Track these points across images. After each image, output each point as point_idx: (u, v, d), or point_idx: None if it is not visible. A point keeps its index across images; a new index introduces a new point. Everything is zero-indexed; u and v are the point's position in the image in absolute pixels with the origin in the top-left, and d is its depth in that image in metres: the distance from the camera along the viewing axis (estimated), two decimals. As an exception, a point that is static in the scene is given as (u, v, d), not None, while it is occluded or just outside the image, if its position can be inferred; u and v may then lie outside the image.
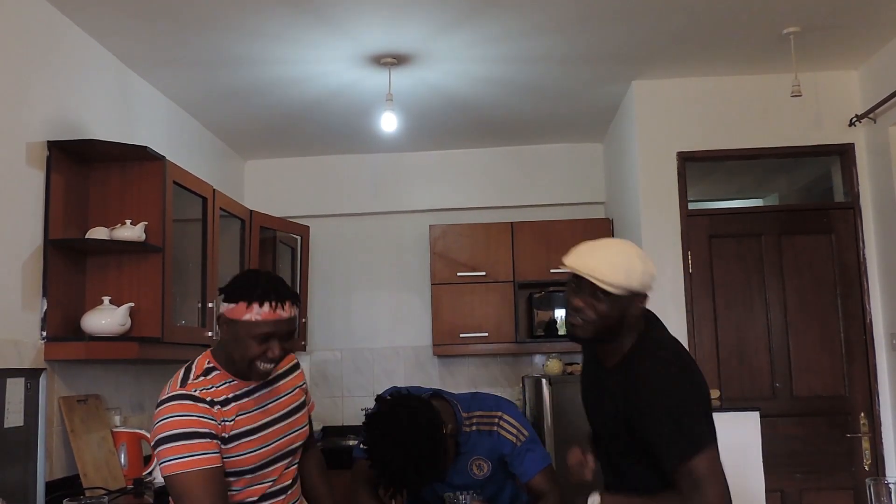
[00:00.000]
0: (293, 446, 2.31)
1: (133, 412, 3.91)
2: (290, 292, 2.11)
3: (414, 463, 2.28)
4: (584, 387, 2.40)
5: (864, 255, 4.41)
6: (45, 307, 3.21)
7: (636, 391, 2.05)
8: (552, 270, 5.36)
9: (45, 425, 3.13)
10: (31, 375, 3.09)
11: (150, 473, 3.55)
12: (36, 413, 3.10)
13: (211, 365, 2.15)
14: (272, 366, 2.13)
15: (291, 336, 2.13)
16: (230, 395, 2.12)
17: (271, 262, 5.27)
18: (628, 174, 4.89)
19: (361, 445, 2.46)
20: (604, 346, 2.19)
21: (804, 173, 5.62)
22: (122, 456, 3.49)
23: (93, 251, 3.48)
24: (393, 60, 4.11)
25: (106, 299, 3.38)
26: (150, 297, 3.47)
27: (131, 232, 3.38)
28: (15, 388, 2.99)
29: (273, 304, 2.05)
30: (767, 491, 3.30)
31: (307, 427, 2.40)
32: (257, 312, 2.04)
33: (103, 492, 3.20)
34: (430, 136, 5.53)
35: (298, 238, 5.46)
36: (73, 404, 3.32)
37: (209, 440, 2.03)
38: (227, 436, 2.08)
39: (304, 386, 2.42)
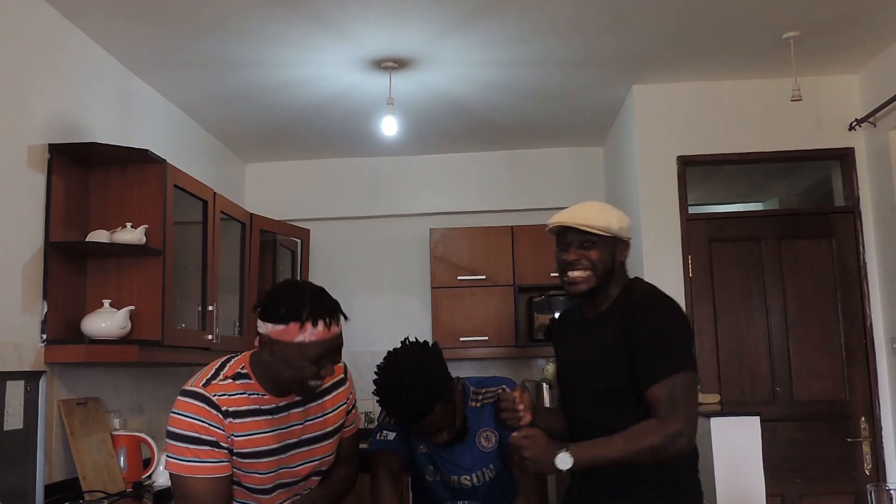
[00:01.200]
0: (315, 471, 2.21)
1: (133, 415, 3.90)
2: (337, 305, 2.02)
3: (424, 382, 2.35)
4: (562, 360, 2.46)
5: (864, 259, 4.41)
6: (46, 310, 3.21)
7: (631, 313, 2.17)
8: (552, 274, 5.33)
9: (44, 428, 3.12)
10: (30, 378, 3.08)
11: (150, 477, 3.55)
12: (35, 416, 3.10)
13: (245, 371, 2.06)
14: (322, 382, 2.04)
15: (341, 349, 2.04)
16: (251, 408, 2.03)
17: (271, 266, 5.27)
18: (628, 178, 4.90)
19: (373, 391, 2.47)
20: (595, 296, 2.27)
21: (804, 177, 5.62)
22: (122, 459, 3.49)
23: (93, 254, 3.48)
24: (394, 64, 4.11)
25: (106, 302, 3.38)
26: (150, 300, 3.47)
27: (132, 235, 3.38)
28: (15, 390, 2.99)
29: (327, 320, 1.95)
30: (768, 496, 3.31)
31: (334, 453, 2.28)
32: (311, 333, 1.93)
33: (102, 495, 3.20)
34: (431, 139, 5.54)
35: (299, 241, 5.46)
36: (72, 407, 3.32)
37: (216, 449, 1.98)
38: (234, 451, 2.02)
39: (346, 405, 2.30)
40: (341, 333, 2.02)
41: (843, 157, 4.54)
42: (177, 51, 3.90)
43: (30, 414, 3.06)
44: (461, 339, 5.34)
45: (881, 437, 4.29)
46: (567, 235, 2.24)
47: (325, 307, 1.97)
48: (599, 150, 5.86)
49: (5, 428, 2.92)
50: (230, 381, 2.04)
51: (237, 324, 4.51)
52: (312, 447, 2.17)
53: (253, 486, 2.09)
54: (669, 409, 2.06)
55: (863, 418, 4.33)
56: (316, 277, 5.79)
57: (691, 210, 4.60)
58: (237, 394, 2.02)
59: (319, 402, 2.18)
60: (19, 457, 3.01)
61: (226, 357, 2.13)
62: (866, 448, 4.31)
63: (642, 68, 4.37)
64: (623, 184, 5.10)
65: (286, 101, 4.66)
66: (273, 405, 2.07)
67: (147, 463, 3.58)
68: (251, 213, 4.78)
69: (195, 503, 1.97)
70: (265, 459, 2.06)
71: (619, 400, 2.17)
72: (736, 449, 3.40)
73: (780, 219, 4.64)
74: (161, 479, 3.55)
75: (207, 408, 1.98)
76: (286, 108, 4.80)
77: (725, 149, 4.57)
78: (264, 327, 1.97)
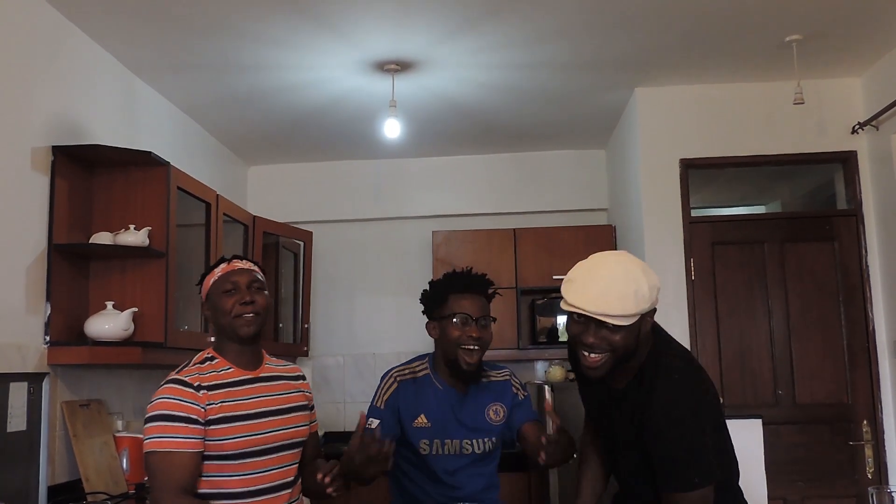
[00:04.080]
0: (287, 441, 2.33)
1: (135, 417, 3.91)
2: (243, 256, 2.43)
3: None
4: (589, 406, 2.35)
5: (866, 262, 4.41)
6: (49, 312, 3.21)
7: (650, 414, 1.97)
8: (555, 277, 5.36)
9: (47, 430, 3.13)
10: (34, 380, 3.09)
11: (153, 478, 3.55)
12: (39, 417, 3.10)
13: (210, 355, 2.33)
14: (251, 315, 2.29)
15: (260, 287, 2.33)
16: (221, 382, 2.25)
17: (274, 268, 5.28)
18: (631, 181, 4.90)
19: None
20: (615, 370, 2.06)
21: (807, 181, 5.61)
22: (124, 461, 3.49)
23: (96, 256, 3.49)
24: (396, 67, 4.12)
25: (109, 304, 3.39)
26: (153, 302, 3.48)
27: (135, 237, 3.39)
28: (18, 392, 2.99)
29: (229, 260, 2.36)
30: (770, 499, 3.29)
31: (306, 428, 2.42)
32: (218, 272, 2.33)
33: (105, 497, 3.21)
34: (433, 142, 5.54)
35: (301, 244, 5.47)
36: (75, 409, 3.33)
37: (189, 425, 2.13)
38: (211, 418, 2.17)
39: (308, 394, 2.50)
40: (251, 271, 2.35)
41: (846, 161, 4.54)
42: (180, 53, 3.91)
43: (33, 415, 3.07)
44: (463, 341, 5.33)
45: (883, 440, 4.28)
46: (583, 316, 1.95)
47: (226, 258, 2.38)
48: (602, 152, 5.86)
49: (8, 429, 2.92)
50: (198, 365, 2.28)
51: (240, 326, 4.51)
52: (282, 416, 2.33)
53: (228, 452, 2.19)
54: None
55: (865, 421, 4.32)
56: (319, 280, 5.80)
57: (694, 213, 4.60)
58: (208, 373, 2.26)
59: (283, 381, 2.42)
60: (22, 458, 3.01)
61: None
62: (868, 451, 4.30)
63: (645, 71, 4.38)
64: (625, 186, 5.11)
65: (289, 103, 4.67)
66: (241, 377, 2.30)
67: (149, 465, 3.58)
68: (254, 216, 4.79)
69: (159, 475, 2.09)
70: (242, 423, 2.22)
71: (647, 471, 2.07)
72: (738, 452, 3.37)
73: (782, 222, 4.63)
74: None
75: (181, 387, 2.18)
76: (289, 111, 4.80)
77: (728, 152, 4.57)
78: (201, 297, 2.38)
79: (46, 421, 3.13)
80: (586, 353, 1.97)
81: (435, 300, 2.71)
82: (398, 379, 2.73)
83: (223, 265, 2.35)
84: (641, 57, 4.15)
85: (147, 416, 2.16)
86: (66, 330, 3.31)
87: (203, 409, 2.17)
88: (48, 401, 3.15)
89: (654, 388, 1.99)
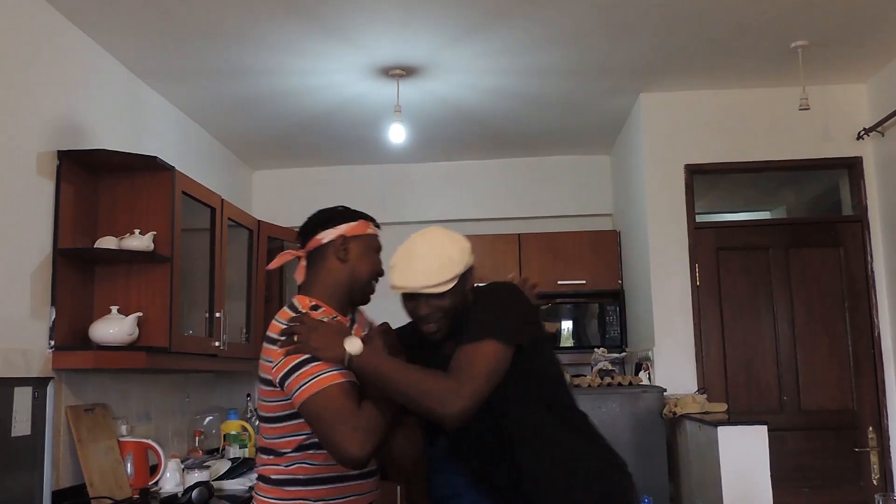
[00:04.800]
0: None
1: (140, 421, 3.91)
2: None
3: None
4: None
5: (872, 268, 4.40)
6: (54, 316, 3.22)
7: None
8: (559, 282, 5.37)
9: (52, 434, 3.13)
10: (38, 384, 3.09)
11: (157, 483, 3.55)
12: (43, 422, 3.10)
13: (315, 303, 2.13)
14: (376, 283, 2.29)
15: None
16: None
17: (279, 272, 5.27)
18: (636, 186, 4.89)
19: None
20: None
21: (812, 186, 5.61)
22: (129, 465, 3.49)
23: (101, 260, 3.49)
24: (401, 72, 4.12)
25: (114, 308, 3.39)
26: (158, 307, 3.48)
27: (140, 241, 3.39)
28: (23, 396, 2.99)
29: (370, 222, 2.30)
30: (775, 505, 3.29)
31: None
32: (371, 230, 2.27)
33: (109, 502, 3.20)
34: (438, 147, 5.54)
35: (306, 248, 5.45)
36: (80, 413, 3.33)
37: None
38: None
39: None
40: None
41: (851, 167, 4.54)
42: (186, 58, 3.92)
43: (37, 420, 3.07)
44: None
45: (889, 446, 4.27)
46: (410, 294, 2.08)
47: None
48: (606, 158, 5.85)
49: (13, 434, 2.92)
50: (313, 311, 2.10)
51: (244, 331, 4.52)
52: None
53: None
54: (457, 371, 1.93)
55: (870, 428, 4.31)
56: (323, 284, 5.79)
57: (699, 218, 4.59)
58: (324, 318, 2.09)
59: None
60: (27, 463, 3.01)
61: (284, 308, 2.14)
62: (874, 458, 4.29)
63: (650, 77, 4.38)
64: (630, 192, 5.10)
65: (294, 108, 4.67)
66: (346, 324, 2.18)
67: (154, 469, 3.58)
68: (259, 220, 4.79)
69: (349, 404, 1.92)
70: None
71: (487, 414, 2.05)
72: (743, 458, 3.39)
73: (787, 228, 4.63)
74: (167, 485, 3.56)
75: None
76: (294, 116, 4.81)
77: (733, 157, 4.57)
78: (334, 231, 2.21)
79: (51, 425, 3.13)
80: (422, 324, 2.09)
81: None
82: None
83: (372, 225, 2.29)
84: (646, 62, 4.15)
85: (294, 363, 1.96)
86: (70, 334, 3.31)
87: None
88: (53, 405, 3.15)
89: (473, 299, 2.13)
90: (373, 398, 1.97)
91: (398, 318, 2.30)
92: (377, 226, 2.31)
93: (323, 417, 1.92)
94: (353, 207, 2.31)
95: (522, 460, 2.11)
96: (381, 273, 2.26)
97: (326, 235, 2.21)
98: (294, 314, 2.08)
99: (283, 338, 2.02)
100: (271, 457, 2.11)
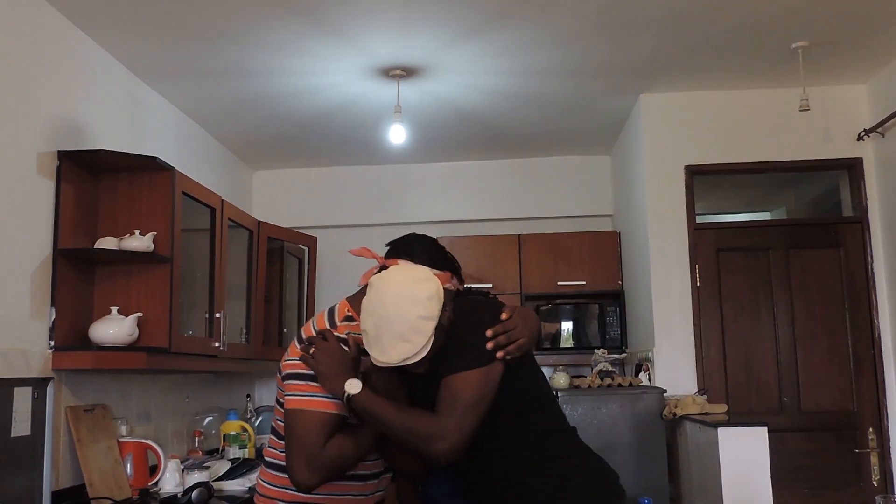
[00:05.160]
0: None
1: (139, 422, 3.91)
2: None
3: None
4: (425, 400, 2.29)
5: (872, 269, 4.40)
6: (54, 316, 3.21)
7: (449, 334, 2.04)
8: (559, 283, 5.37)
9: (51, 434, 3.13)
10: (38, 385, 3.09)
11: (156, 483, 3.55)
12: (43, 422, 3.10)
13: (350, 314, 2.19)
14: None
15: None
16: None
17: (278, 273, 5.28)
18: (636, 187, 4.89)
19: None
20: None
21: (812, 187, 5.61)
22: (128, 466, 3.49)
23: (101, 261, 3.49)
24: (402, 72, 4.12)
25: (114, 309, 3.39)
26: (157, 307, 3.48)
27: (140, 242, 3.39)
28: (22, 397, 2.99)
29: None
30: (775, 506, 3.29)
31: None
32: (451, 286, 2.23)
33: (109, 502, 3.20)
34: (438, 147, 5.54)
35: (306, 249, 5.46)
36: (80, 414, 3.33)
37: None
38: None
39: None
40: None
41: (852, 167, 4.54)
42: (186, 58, 3.92)
43: (37, 420, 3.07)
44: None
45: (889, 447, 4.27)
46: None
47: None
48: (607, 158, 5.85)
49: (13, 434, 2.92)
50: (345, 322, 2.17)
51: (244, 331, 4.52)
52: None
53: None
54: (446, 410, 1.96)
55: (871, 429, 4.31)
56: (323, 285, 5.79)
57: (699, 219, 4.59)
58: (357, 333, 2.13)
59: None
60: (26, 463, 3.01)
61: (324, 310, 2.23)
62: (874, 459, 4.28)
63: (650, 77, 4.38)
64: (630, 193, 5.10)
65: (294, 108, 4.67)
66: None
67: (153, 470, 3.58)
68: (259, 221, 4.79)
69: (317, 435, 2.03)
70: None
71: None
72: (743, 459, 3.39)
73: (788, 228, 4.63)
74: (167, 485, 3.55)
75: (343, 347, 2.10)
76: (294, 116, 4.81)
77: (733, 158, 4.57)
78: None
79: (51, 426, 3.13)
80: (412, 371, 2.03)
81: None
82: None
83: (454, 281, 2.30)
84: (647, 63, 4.15)
85: (301, 372, 2.08)
86: (70, 335, 3.31)
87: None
88: (52, 406, 3.15)
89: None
90: (348, 436, 2.07)
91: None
92: (461, 282, 2.31)
93: (292, 434, 2.06)
94: (443, 253, 2.34)
95: (498, 485, 2.14)
96: None
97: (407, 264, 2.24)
98: (328, 317, 2.18)
99: (306, 342, 2.12)
100: (275, 439, 2.22)
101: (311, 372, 2.06)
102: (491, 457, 2.13)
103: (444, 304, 2.02)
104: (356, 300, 2.21)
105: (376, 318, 1.98)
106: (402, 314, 1.95)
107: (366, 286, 2.16)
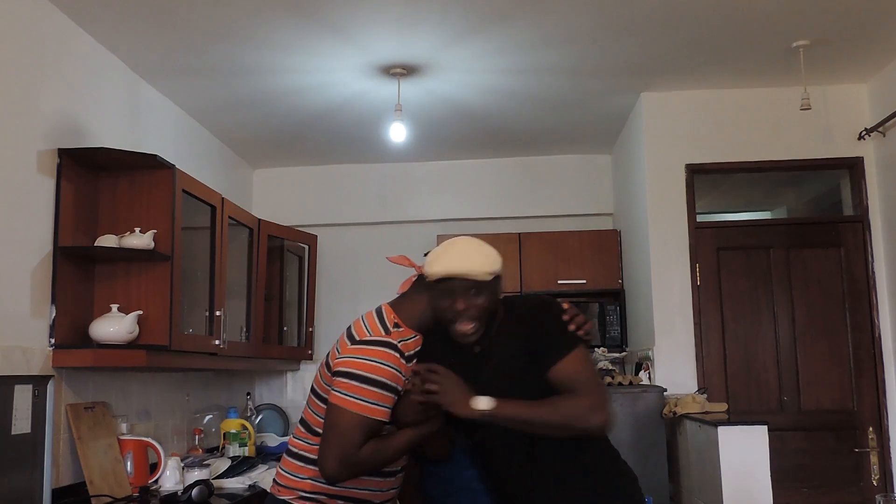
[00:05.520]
0: None
1: (140, 420, 3.91)
2: None
3: None
4: None
5: (872, 268, 4.39)
6: (54, 314, 3.22)
7: (527, 323, 2.16)
8: (559, 281, 5.36)
9: (52, 432, 3.13)
10: (38, 382, 3.09)
11: (156, 481, 3.55)
12: (43, 420, 3.10)
13: (397, 321, 2.25)
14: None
15: None
16: (413, 352, 2.25)
17: (279, 271, 5.28)
18: (636, 186, 4.89)
19: None
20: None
21: (813, 186, 5.61)
22: (129, 464, 3.49)
23: (102, 259, 3.49)
24: (402, 71, 4.12)
25: (114, 307, 3.39)
26: (158, 305, 3.48)
27: (140, 240, 3.39)
28: (23, 394, 2.99)
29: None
30: (775, 505, 3.29)
31: None
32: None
33: (109, 500, 3.20)
34: (439, 146, 5.54)
35: (306, 247, 5.47)
36: (80, 411, 3.33)
37: (392, 395, 2.15)
38: (402, 390, 2.20)
39: None
40: None
41: (853, 167, 4.53)
42: (186, 56, 3.92)
43: (37, 418, 3.07)
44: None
45: (889, 447, 4.27)
46: (450, 283, 2.12)
47: None
48: (607, 157, 5.85)
49: (13, 432, 2.92)
50: (397, 329, 2.23)
51: (244, 329, 4.52)
52: None
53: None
54: (583, 385, 2.07)
55: (870, 428, 4.31)
56: (323, 283, 5.80)
57: (699, 218, 4.59)
58: (405, 339, 2.22)
59: None
60: (27, 461, 3.01)
61: (372, 312, 2.28)
62: (874, 458, 4.29)
63: (651, 76, 4.37)
64: (631, 191, 5.10)
65: (295, 107, 4.67)
66: (418, 349, 2.27)
67: (154, 468, 3.58)
68: (259, 219, 4.79)
69: (358, 438, 2.10)
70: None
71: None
72: (743, 458, 3.38)
73: (788, 228, 4.63)
74: (167, 483, 3.56)
75: (397, 355, 2.16)
76: (295, 114, 4.81)
77: (734, 157, 4.57)
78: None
79: (51, 423, 3.13)
80: (459, 321, 2.13)
81: None
82: None
83: None
84: (648, 62, 4.15)
85: (363, 375, 2.15)
86: (71, 332, 3.31)
87: (404, 380, 2.20)
88: (53, 403, 3.15)
89: (519, 312, 2.21)
90: (383, 442, 2.16)
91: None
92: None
93: (332, 428, 2.12)
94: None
95: (548, 470, 2.18)
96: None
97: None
98: (379, 321, 2.23)
99: (415, 377, 2.17)
100: (305, 432, 2.29)
101: (366, 374, 2.12)
102: (545, 452, 2.17)
103: (500, 276, 2.16)
104: (399, 307, 2.29)
105: (447, 246, 2.16)
106: (475, 246, 2.15)
107: (405, 293, 2.30)
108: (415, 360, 2.25)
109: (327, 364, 2.25)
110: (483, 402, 2.05)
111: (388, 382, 2.14)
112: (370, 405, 2.11)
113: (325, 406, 2.19)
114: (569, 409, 2.05)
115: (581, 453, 2.18)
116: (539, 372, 2.11)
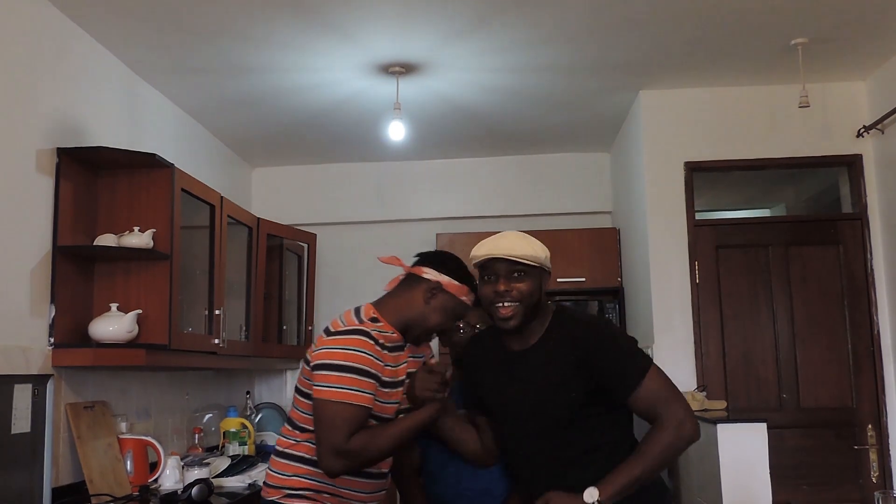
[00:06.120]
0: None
1: (139, 419, 3.91)
2: None
3: None
4: (488, 394, 2.39)
5: (871, 266, 4.40)
6: (53, 313, 3.22)
7: (584, 342, 2.18)
8: (559, 279, 5.36)
9: (51, 431, 3.13)
10: (38, 382, 3.09)
11: (156, 480, 3.55)
12: (43, 419, 3.10)
13: (375, 316, 2.32)
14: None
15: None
16: (393, 344, 2.32)
17: (278, 270, 5.28)
18: (635, 184, 4.89)
19: None
20: (522, 329, 2.25)
21: (812, 184, 5.61)
22: (128, 463, 3.49)
23: (101, 258, 3.49)
24: (401, 69, 4.12)
25: (113, 306, 3.39)
26: (157, 304, 3.48)
27: (139, 239, 3.39)
28: (22, 394, 2.99)
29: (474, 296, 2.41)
30: (774, 503, 3.29)
31: None
32: (467, 299, 2.40)
33: (109, 499, 3.21)
34: (438, 144, 5.54)
35: (305, 246, 5.47)
36: (79, 411, 3.33)
37: (371, 380, 2.21)
38: (385, 380, 2.27)
39: None
40: None
41: (851, 164, 4.53)
42: (185, 55, 3.92)
43: (37, 417, 3.07)
44: (467, 344, 5.33)
45: (888, 444, 4.27)
46: (494, 266, 2.20)
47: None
48: (606, 155, 5.85)
49: (13, 431, 2.92)
50: (372, 322, 2.30)
51: (244, 328, 4.52)
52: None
53: (387, 416, 2.33)
54: (662, 404, 2.11)
55: (870, 426, 4.31)
56: (322, 282, 5.80)
57: (698, 216, 4.59)
58: (382, 332, 2.29)
59: (416, 357, 2.49)
60: (26, 460, 3.01)
61: (350, 309, 2.37)
62: (873, 456, 4.29)
63: (649, 74, 4.37)
64: (630, 189, 5.10)
65: (293, 105, 4.67)
66: (399, 343, 2.36)
67: (153, 467, 3.58)
68: (258, 218, 4.79)
69: (344, 427, 2.14)
70: (398, 389, 2.35)
71: (572, 428, 2.20)
72: (742, 456, 3.39)
73: (787, 225, 4.63)
74: (167, 482, 3.56)
75: (370, 342, 2.23)
76: (293, 113, 4.81)
77: (733, 155, 4.57)
78: (437, 276, 2.37)
79: (51, 423, 3.13)
80: (499, 304, 2.19)
81: None
82: None
83: (471, 297, 2.42)
84: (646, 60, 4.15)
85: (330, 362, 2.22)
86: (70, 332, 3.31)
87: (384, 368, 2.28)
88: (52, 403, 3.15)
89: (576, 325, 2.24)
90: (371, 433, 2.21)
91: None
92: (477, 304, 2.40)
93: (319, 423, 2.18)
94: (455, 260, 2.47)
95: (599, 468, 2.18)
96: (443, 332, 2.50)
97: (430, 273, 2.38)
98: (355, 315, 2.31)
99: (336, 333, 2.26)
100: (292, 430, 2.37)
101: (341, 362, 2.18)
102: (596, 452, 2.21)
103: (548, 272, 2.25)
104: (381, 304, 2.38)
105: (495, 236, 2.24)
106: (523, 237, 2.25)
107: (389, 292, 2.38)
108: (398, 354, 2.33)
109: (307, 360, 2.31)
110: (590, 495, 2.05)
111: (364, 368, 2.18)
112: (350, 391, 2.15)
113: (309, 402, 2.24)
114: (661, 445, 2.10)
115: (605, 437, 2.22)
116: (585, 396, 2.15)
